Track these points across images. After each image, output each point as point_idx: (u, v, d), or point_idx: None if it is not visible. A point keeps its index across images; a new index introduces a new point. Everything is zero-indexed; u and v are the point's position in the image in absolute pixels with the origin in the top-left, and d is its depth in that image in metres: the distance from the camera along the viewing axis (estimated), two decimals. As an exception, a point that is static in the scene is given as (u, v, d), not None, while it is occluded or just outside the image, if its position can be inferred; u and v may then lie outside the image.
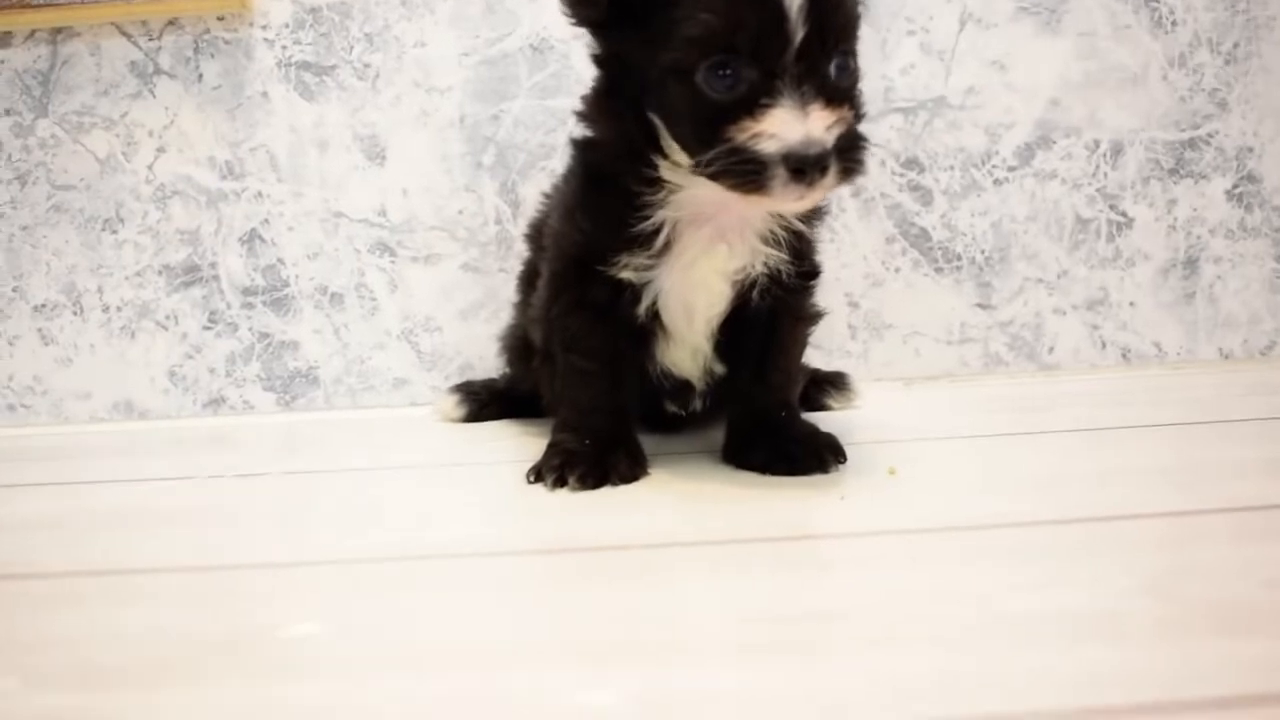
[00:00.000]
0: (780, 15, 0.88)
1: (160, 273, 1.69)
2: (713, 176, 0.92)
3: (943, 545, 0.79)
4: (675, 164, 1.01)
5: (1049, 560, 0.74)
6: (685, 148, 0.97)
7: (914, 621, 0.62)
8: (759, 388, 1.12)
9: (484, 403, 1.54)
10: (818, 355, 1.61)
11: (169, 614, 0.71)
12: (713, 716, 0.53)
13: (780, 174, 0.88)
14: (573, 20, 1.00)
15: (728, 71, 0.90)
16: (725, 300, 1.09)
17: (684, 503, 0.96)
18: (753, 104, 0.89)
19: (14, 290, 1.69)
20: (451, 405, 1.54)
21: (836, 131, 0.90)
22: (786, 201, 0.92)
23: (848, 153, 0.91)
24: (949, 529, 0.83)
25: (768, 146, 0.88)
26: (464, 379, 1.66)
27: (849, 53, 0.95)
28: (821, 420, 1.17)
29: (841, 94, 0.93)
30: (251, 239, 1.68)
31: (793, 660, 0.58)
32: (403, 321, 1.69)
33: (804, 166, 0.87)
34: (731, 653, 0.60)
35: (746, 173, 0.89)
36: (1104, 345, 1.70)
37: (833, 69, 0.92)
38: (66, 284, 1.69)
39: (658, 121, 1.00)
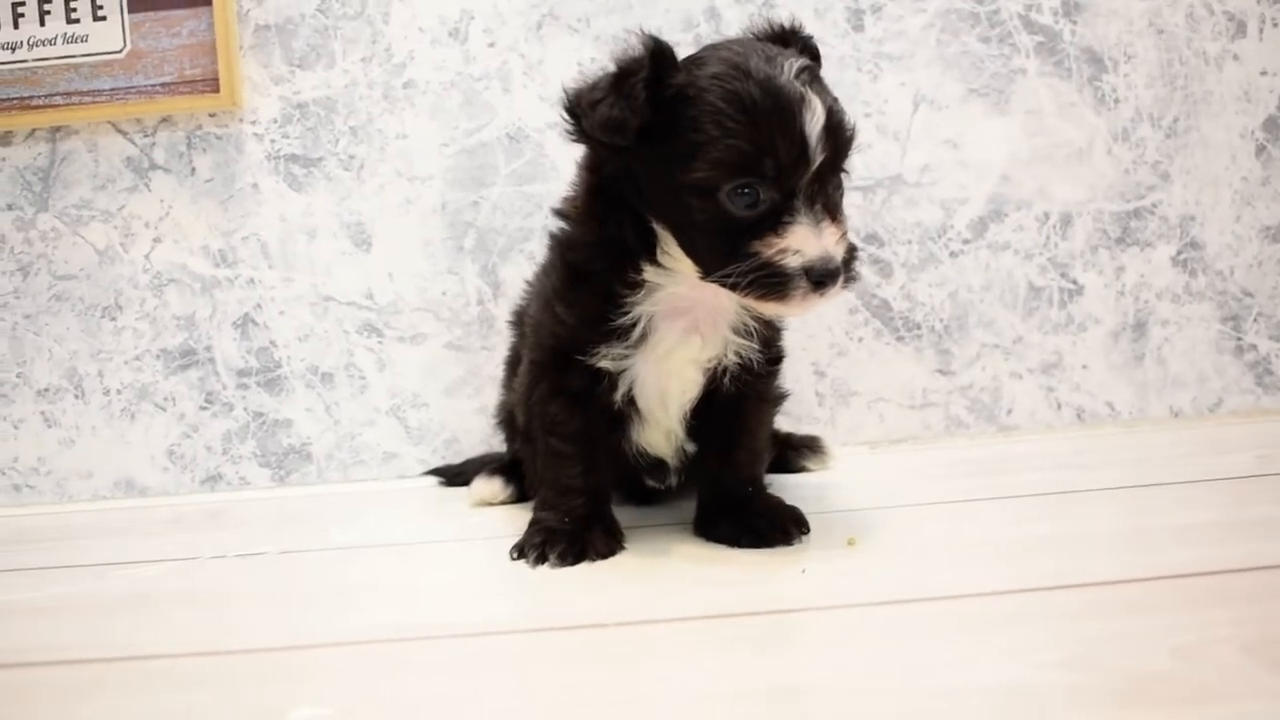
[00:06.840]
0: (804, 144, 0.98)
1: (158, 356, 1.76)
2: (734, 287, 1.00)
3: (891, 619, 0.86)
4: (663, 268, 1.09)
5: (986, 633, 0.80)
6: (699, 257, 1.04)
7: (855, 696, 0.69)
8: (728, 466, 1.20)
9: (523, 480, 1.43)
10: (787, 422, 1.68)
11: (184, 701, 0.77)
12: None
13: (803, 285, 0.97)
14: (598, 140, 1.03)
15: (749, 191, 0.98)
16: (698, 387, 1.17)
17: (656, 579, 1.03)
18: (775, 222, 0.98)
19: (18, 376, 1.76)
20: (498, 488, 1.47)
21: (844, 245, 1.01)
22: (800, 309, 1.00)
23: (850, 264, 1.01)
24: (899, 602, 0.89)
25: (792, 261, 0.97)
26: (460, 456, 1.75)
27: (844, 170, 1.05)
28: (793, 485, 1.23)
29: (839, 208, 1.04)
30: (245, 323, 1.76)
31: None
32: (391, 398, 1.76)
33: (825, 279, 0.97)
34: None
35: (772, 285, 0.98)
36: (1059, 406, 1.77)
37: (831, 186, 1.03)
38: (68, 369, 1.76)
39: (663, 230, 1.07)
